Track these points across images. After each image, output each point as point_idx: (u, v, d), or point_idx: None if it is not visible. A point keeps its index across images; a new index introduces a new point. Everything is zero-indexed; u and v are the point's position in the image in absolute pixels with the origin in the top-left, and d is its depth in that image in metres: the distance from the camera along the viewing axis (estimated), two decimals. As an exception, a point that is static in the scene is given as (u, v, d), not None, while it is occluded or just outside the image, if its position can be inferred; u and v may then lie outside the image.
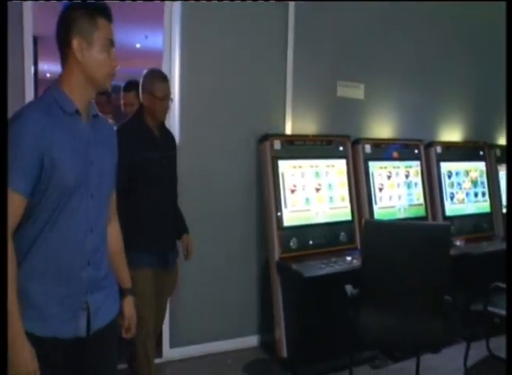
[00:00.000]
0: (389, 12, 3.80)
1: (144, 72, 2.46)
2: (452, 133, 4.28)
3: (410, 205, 3.66)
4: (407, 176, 3.69)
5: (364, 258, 2.52)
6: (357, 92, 3.76)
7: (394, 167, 3.65)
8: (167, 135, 2.55)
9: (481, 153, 4.21)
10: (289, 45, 3.41)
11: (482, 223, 3.98)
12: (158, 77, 2.41)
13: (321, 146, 3.39)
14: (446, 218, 3.76)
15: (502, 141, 4.62)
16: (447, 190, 3.87)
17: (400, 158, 3.70)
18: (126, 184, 2.15)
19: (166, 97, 2.38)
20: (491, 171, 4.21)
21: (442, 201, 3.81)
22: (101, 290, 1.44)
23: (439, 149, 3.93)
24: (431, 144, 3.94)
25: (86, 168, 1.37)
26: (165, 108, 2.41)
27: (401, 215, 3.57)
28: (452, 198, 3.89)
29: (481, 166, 4.16)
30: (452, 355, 3.22)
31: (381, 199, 3.50)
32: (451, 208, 3.85)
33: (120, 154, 1.56)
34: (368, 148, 3.56)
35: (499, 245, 3.76)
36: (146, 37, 7.20)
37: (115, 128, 1.88)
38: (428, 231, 2.54)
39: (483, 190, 4.11)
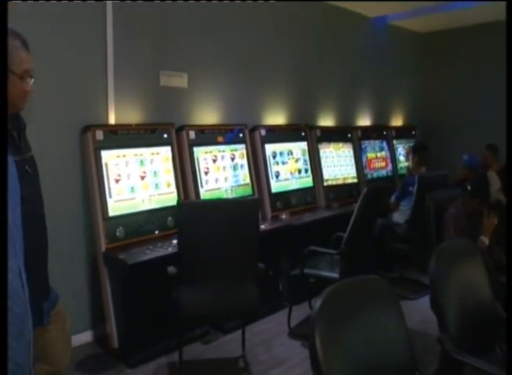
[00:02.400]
0: (211, 4, 3.94)
1: None
2: (276, 118, 4.58)
3: (238, 186, 3.85)
4: (232, 159, 3.88)
5: (179, 238, 2.61)
6: (181, 81, 3.84)
7: (219, 151, 3.81)
8: (23, 130, 1.84)
9: (303, 134, 4.57)
10: (109, 34, 3.34)
11: (306, 197, 4.34)
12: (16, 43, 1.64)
13: (145, 135, 3.42)
14: (272, 194, 4.03)
15: (321, 122, 5.06)
16: (272, 169, 4.15)
17: (225, 143, 3.87)
18: None
19: (26, 73, 1.66)
20: (312, 150, 4.59)
21: (267, 180, 4.07)
22: None
23: (263, 132, 4.19)
24: (255, 128, 4.18)
25: None
26: (26, 91, 1.68)
27: (228, 195, 3.75)
28: (277, 176, 4.18)
29: (303, 145, 4.52)
30: (278, 319, 3.50)
31: (207, 182, 3.64)
32: (277, 186, 4.13)
33: None
34: (192, 134, 3.67)
35: (320, 214, 4.15)
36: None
37: None
38: (237, 206, 2.71)
39: (306, 167, 4.48)
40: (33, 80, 1.69)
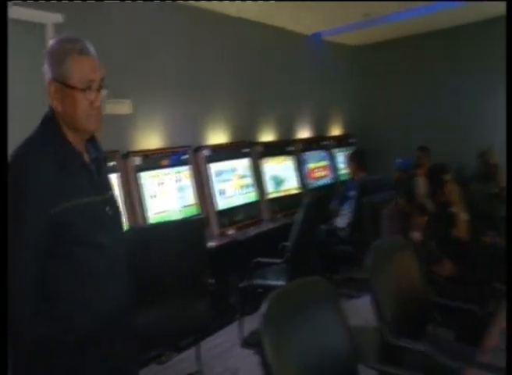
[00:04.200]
0: (150, 27, 4.12)
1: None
2: (219, 137, 4.79)
3: (185, 206, 4.02)
4: (178, 181, 4.05)
5: (131, 262, 2.74)
6: (124, 108, 3.98)
7: (165, 174, 3.97)
8: (103, 163, 1.58)
9: (246, 150, 4.80)
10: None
11: (251, 211, 4.56)
12: (74, 48, 1.40)
13: None
14: (218, 212, 4.22)
15: (263, 138, 5.32)
16: (218, 187, 4.34)
17: (170, 165, 4.03)
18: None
19: (92, 83, 1.40)
20: (255, 165, 4.82)
21: (212, 198, 4.25)
22: None
23: (206, 152, 4.38)
24: (199, 148, 4.37)
25: None
26: (94, 107, 1.42)
27: (176, 217, 3.90)
28: (223, 194, 4.38)
29: (246, 161, 4.74)
30: (231, 332, 3.67)
31: (155, 206, 3.79)
32: (223, 203, 4.32)
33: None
34: (137, 159, 3.82)
35: (265, 227, 4.39)
36: None
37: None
38: (182, 226, 2.89)
39: (250, 182, 4.69)
40: (105, 91, 1.45)
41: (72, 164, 1.39)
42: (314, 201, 3.68)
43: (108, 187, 1.56)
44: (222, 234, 4.14)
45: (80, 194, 1.38)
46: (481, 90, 6.06)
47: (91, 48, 1.44)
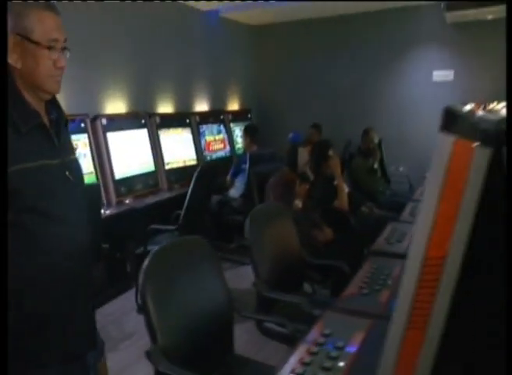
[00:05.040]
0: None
1: None
2: (116, 106, 4.80)
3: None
4: (75, 149, 4.03)
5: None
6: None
7: (61, 142, 3.93)
8: (63, 125, 1.47)
9: (143, 121, 4.87)
10: None
11: (149, 181, 4.68)
12: (40, 2, 1.34)
13: None
14: (115, 181, 4.29)
15: (161, 110, 5.40)
16: (115, 156, 4.38)
17: (67, 133, 3.99)
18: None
19: (56, 43, 1.35)
20: (152, 136, 4.92)
21: (111, 167, 4.31)
22: None
23: (104, 121, 4.39)
24: (96, 117, 4.37)
25: None
26: (58, 67, 1.38)
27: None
28: (121, 163, 4.42)
29: (143, 132, 4.82)
30: (128, 298, 3.82)
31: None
32: (120, 172, 4.38)
33: None
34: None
35: (162, 196, 4.54)
36: None
37: None
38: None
39: (147, 152, 4.79)
40: (68, 53, 1.37)
41: (28, 125, 1.28)
42: (204, 171, 3.89)
43: (69, 150, 1.46)
44: (120, 203, 4.23)
45: (35, 157, 1.28)
46: (365, 77, 6.61)
47: (56, 7, 1.36)
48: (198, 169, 3.74)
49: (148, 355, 1.59)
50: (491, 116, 0.79)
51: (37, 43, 1.28)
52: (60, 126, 1.40)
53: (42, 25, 1.29)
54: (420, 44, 6.19)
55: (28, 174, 1.25)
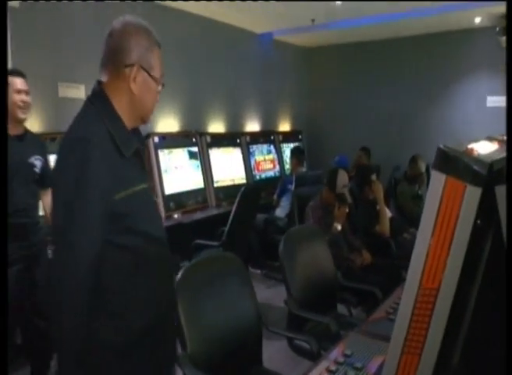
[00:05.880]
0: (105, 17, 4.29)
1: None
2: (167, 125, 5.04)
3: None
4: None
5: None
6: (78, 92, 4.17)
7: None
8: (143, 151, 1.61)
9: (194, 140, 5.08)
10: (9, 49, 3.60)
11: (198, 197, 4.86)
12: (157, 40, 1.45)
13: (49, 144, 3.67)
14: (166, 196, 4.49)
15: (211, 129, 5.61)
16: (165, 173, 4.59)
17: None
18: None
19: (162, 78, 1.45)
20: (203, 154, 5.12)
21: (161, 183, 4.52)
22: None
23: (156, 139, 4.62)
24: (148, 136, 4.58)
25: None
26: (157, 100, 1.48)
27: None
28: (171, 179, 4.63)
29: (194, 149, 5.03)
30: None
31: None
32: (170, 187, 4.59)
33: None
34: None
35: (210, 212, 4.69)
36: None
37: None
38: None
39: (197, 170, 4.98)
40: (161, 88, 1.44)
41: (130, 150, 1.34)
42: (249, 191, 4.02)
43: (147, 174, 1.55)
44: (169, 217, 4.40)
45: (138, 181, 1.35)
46: (415, 102, 6.57)
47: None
48: (243, 189, 3.87)
49: (177, 360, 1.71)
50: (483, 157, 0.86)
51: (155, 79, 1.38)
52: (143, 152, 1.49)
53: (160, 63, 1.40)
54: (474, 68, 6.10)
55: (134, 197, 1.31)
